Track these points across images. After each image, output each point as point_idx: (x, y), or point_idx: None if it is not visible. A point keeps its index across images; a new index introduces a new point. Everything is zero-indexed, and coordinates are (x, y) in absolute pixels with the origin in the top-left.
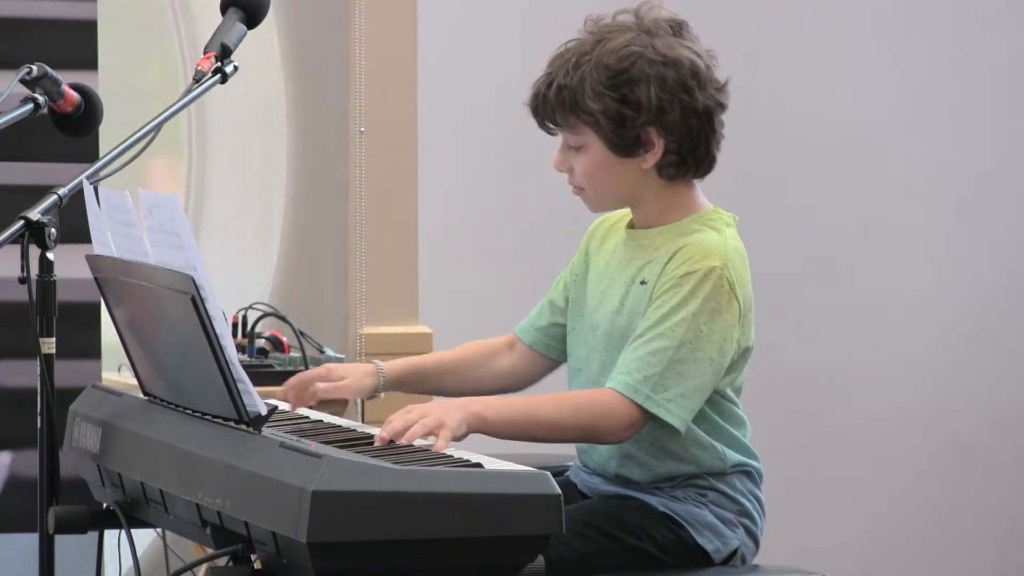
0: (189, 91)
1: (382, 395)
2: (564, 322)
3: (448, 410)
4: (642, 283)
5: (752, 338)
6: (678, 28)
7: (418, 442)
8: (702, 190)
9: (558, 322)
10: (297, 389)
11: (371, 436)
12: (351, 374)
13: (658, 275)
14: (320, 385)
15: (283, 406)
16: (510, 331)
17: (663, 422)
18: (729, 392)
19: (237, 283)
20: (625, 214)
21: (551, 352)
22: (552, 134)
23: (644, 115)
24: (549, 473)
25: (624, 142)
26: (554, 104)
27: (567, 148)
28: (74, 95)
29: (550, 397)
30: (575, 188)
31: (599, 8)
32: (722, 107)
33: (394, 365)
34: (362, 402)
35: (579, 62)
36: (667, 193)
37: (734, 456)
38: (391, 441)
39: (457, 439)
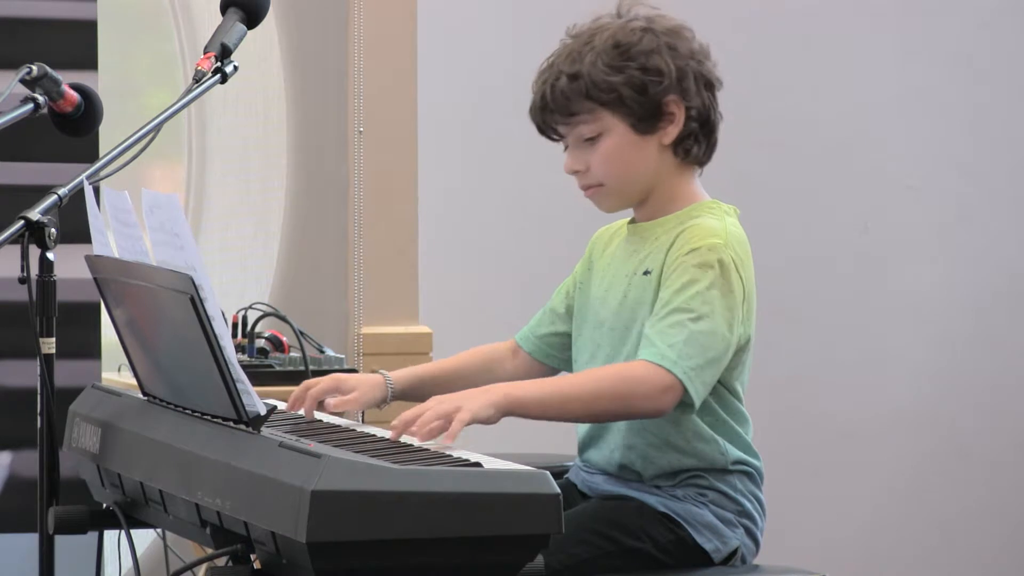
0: (189, 91)
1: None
2: (564, 330)
3: (468, 396)
4: (645, 273)
5: (752, 330)
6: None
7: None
8: (704, 188)
9: (558, 331)
10: (304, 400)
11: (371, 436)
12: (360, 386)
13: (662, 262)
14: (330, 401)
15: (282, 406)
16: (509, 331)
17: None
18: (735, 385)
19: (237, 283)
20: (626, 221)
21: (550, 360)
22: (554, 139)
23: (667, 80)
24: (548, 473)
25: (647, 114)
26: (569, 94)
27: (580, 145)
28: (74, 95)
29: (579, 373)
30: (589, 187)
31: (598, 7)
32: (721, 85)
33: (401, 375)
34: None
35: (581, 52)
36: (676, 180)
37: (735, 452)
38: (401, 439)
39: (490, 423)
